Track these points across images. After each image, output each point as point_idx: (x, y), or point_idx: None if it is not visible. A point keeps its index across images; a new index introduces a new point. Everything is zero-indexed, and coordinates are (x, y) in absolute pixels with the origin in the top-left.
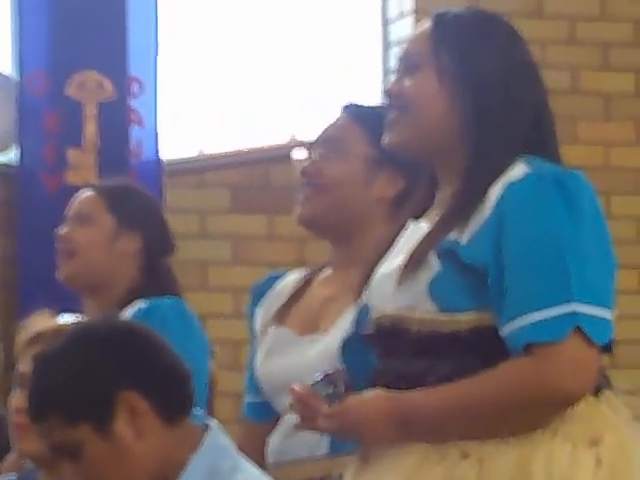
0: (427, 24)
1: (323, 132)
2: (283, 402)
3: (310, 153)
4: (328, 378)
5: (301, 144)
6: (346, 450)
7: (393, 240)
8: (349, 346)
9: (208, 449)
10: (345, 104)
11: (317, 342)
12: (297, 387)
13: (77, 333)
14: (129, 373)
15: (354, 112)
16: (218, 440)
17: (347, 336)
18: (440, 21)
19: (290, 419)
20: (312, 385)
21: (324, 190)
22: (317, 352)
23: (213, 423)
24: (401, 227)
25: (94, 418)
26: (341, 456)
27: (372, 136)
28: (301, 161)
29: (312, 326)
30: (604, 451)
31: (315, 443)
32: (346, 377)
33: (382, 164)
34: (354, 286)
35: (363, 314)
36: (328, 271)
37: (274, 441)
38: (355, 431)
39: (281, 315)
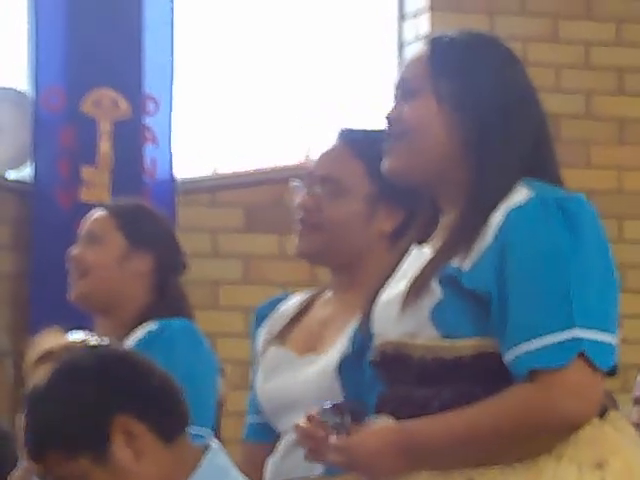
0: (423, 48)
1: (319, 164)
2: (282, 423)
3: (307, 184)
4: (335, 408)
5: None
6: (341, 471)
7: (395, 265)
8: (346, 366)
9: (206, 470)
10: (340, 130)
11: (313, 363)
12: (302, 422)
13: (62, 368)
14: (120, 398)
15: (350, 141)
16: (217, 460)
17: (344, 356)
18: (436, 45)
19: (288, 439)
20: (319, 414)
21: (322, 228)
22: (314, 373)
23: (214, 443)
24: (403, 252)
25: (92, 448)
26: (335, 477)
27: (370, 170)
28: (298, 190)
29: (310, 347)
30: (609, 474)
31: (310, 464)
32: (353, 407)
33: (381, 199)
34: (353, 307)
35: (359, 336)
36: (329, 293)
37: (272, 462)
38: (363, 465)
39: (282, 336)
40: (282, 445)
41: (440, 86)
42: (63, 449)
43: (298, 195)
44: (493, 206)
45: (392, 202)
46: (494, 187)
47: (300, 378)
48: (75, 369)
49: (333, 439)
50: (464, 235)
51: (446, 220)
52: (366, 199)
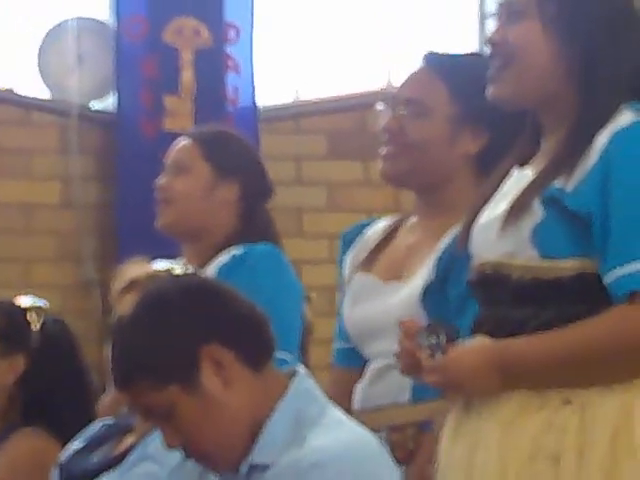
0: None
1: (404, 87)
2: (368, 348)
3: (392, 107)
4: (431, 328)
5: (394, 90)
6: (428, 397)
7: (495, 187)
8: (430, 293)
9: (294, 395)
10: (426, 53)
11: (398, 290)
12: (400, 339)
13: (149, 298)
14: (207, 327)
15: (435, 64)
16: (305, 386)
17: (428, 283)
18: None
19: (376, 365)
20: (415, 334)
21: (407, 150)
22: (398, 300)
23: (301, 369)
24: (503, 174)
25: (181, 378)
26: (423, 403)
27: (455, 92)
28: (382, 113)
29: (396, 273)
30: None
31: (398, 390)
32: (448, 328)
33: (465, 121)
34: (438, 234)
35: (442, 263)
36: (414, 219)
37: (360, 388)
38: (459, 384)
39: (368, 262)
40: (370, 371)
41: (546, 9)
42: (151, 378)
43: (383, 118)
44: (599, 127)
45: (477, 124)
46: (601, 108)
47: (384, 305)
48: (162, 299)
49: (428, 361)
50: (569, 156)
51: (548, 143)
52: (449, 120)
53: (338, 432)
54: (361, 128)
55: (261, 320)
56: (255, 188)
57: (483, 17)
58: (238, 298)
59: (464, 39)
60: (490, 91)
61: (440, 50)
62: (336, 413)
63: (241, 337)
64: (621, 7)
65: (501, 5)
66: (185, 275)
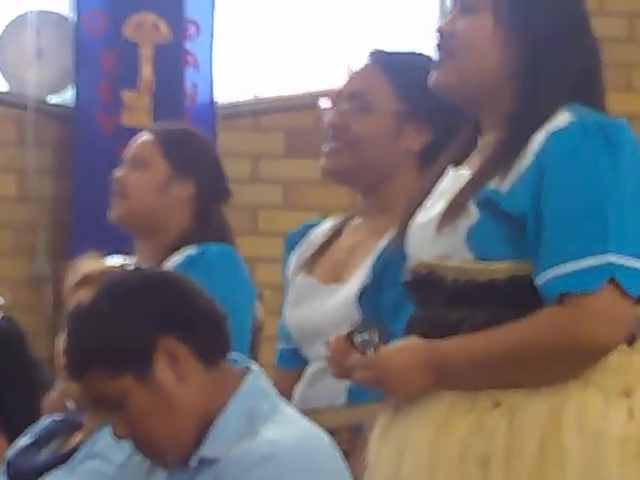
0: None
1: (349, 83)
2: (309, 350)
3: (336, 103)
4: (363, 326)
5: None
6: (364, 400)
7: (430, 186)
8: (366, 296)
9: (247, 391)
10: (371, 50)
11: (337, 292)
12: (332, 339)
13: (108, 287)
14: (164, 320)
15: (381, 61)
16: (258, 382)
17: (363, 286)
18: None
19: (314, 367)
20: (348, 332)
21: (351, 146)
22: (336, 302)
23: (254, 366)
24: (439, 173)
25: (135, 368)
26: (359, 406)
27: (399, 89)
28: (327, 110)
29: (336, 275)
30: (636, 402)
31: (335, 393)
32: (381, 326)
33: (408, 118)
34: (379, 234)
35: (379, 264)
36: (358, 220)
37: (299, 389)
38: (388, 381)
39: (310, 264)
40: (308, 373)
41: (500, 5)
42: (107, 367)
43: (327, 115)
44: (536, 128)
45: (421, 121)
46: (541, 108)
47: (323, 308)
48: (122, 288)
49: (359, 358)
50: (504, 156)
51: (485, 142)
52: (392, 116)
53: (290, 427)
54: (319, 127)
55: (219, 316)
56: (210, 188)
57: (444, 16)
58: (198, 293)
59: (424, 38)
60: (432, 78)
61: (386, 47)
62: (288, 410)
63: (198, 332)
64: (573, 10)
65: None
66: (145, 267)
